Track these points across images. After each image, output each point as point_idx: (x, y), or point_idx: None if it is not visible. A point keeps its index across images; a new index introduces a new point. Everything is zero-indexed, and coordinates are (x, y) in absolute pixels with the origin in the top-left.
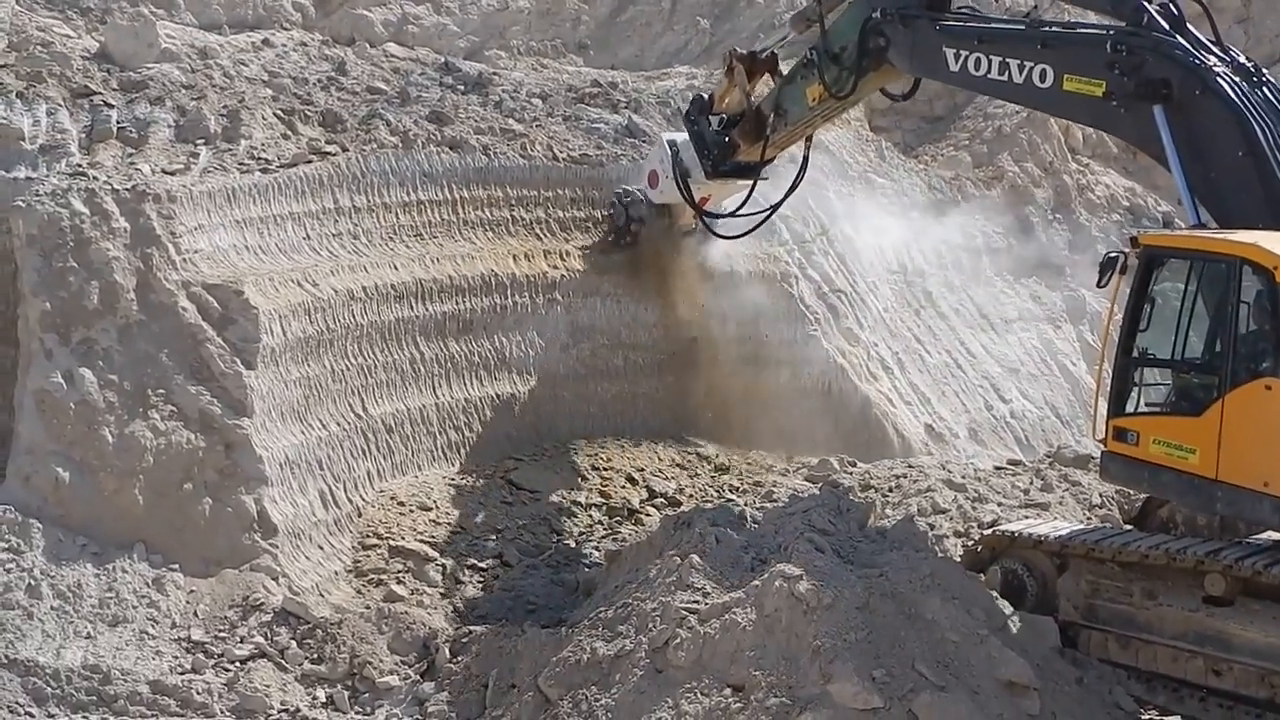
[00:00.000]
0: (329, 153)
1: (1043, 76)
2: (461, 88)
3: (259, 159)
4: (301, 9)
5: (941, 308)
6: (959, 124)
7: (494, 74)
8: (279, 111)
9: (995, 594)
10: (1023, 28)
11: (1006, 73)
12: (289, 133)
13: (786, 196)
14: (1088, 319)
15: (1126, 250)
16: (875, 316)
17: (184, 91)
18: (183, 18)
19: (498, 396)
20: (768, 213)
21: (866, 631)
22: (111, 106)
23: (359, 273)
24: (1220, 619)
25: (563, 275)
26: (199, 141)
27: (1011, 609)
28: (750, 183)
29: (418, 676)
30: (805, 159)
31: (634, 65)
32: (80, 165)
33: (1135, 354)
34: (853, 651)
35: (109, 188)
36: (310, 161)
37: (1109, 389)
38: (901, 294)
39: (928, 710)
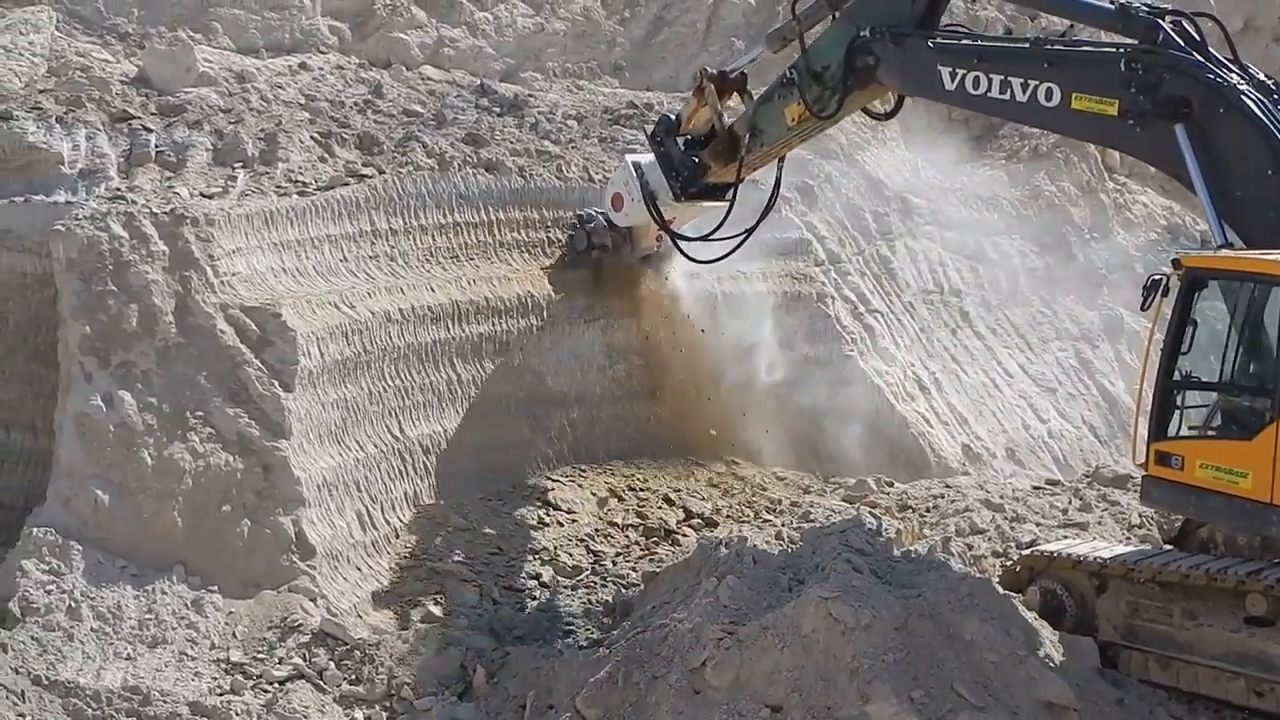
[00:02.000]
0: (366, 175)
1: (1049, 95)
2: (497, 110)
3: (296, 182)
4: (338, 32)
5: (978, 327)
6: (995, 143)
7: (529, 96)
8: (316, 134)
9: (1034, 614)
10: (1027, 45)
11: (1008, 91)
12: (326, 155)
13: (762, 218)
14: (1125, 338)
15: (1169, 272)
16: (912, 336)
17: (221, 115)
18: (220, 42)
19: (535, 417)
20: (744, 235)
21: (905, 652)
22: (150, 130)
23: (396, 295)
24: (1262, 639)
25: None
26: (237, 165)
27: (1051, 629)
28: (716, 204)
29: (455, 698)
30: (778, 180)
31: (669, 87)
32: (119, 189)
33: (1178, 377)
34: (891, 672)
35: (147, 211)
36: (347, 184)
37: (1149, 412)
38: (938, 313)
39: None
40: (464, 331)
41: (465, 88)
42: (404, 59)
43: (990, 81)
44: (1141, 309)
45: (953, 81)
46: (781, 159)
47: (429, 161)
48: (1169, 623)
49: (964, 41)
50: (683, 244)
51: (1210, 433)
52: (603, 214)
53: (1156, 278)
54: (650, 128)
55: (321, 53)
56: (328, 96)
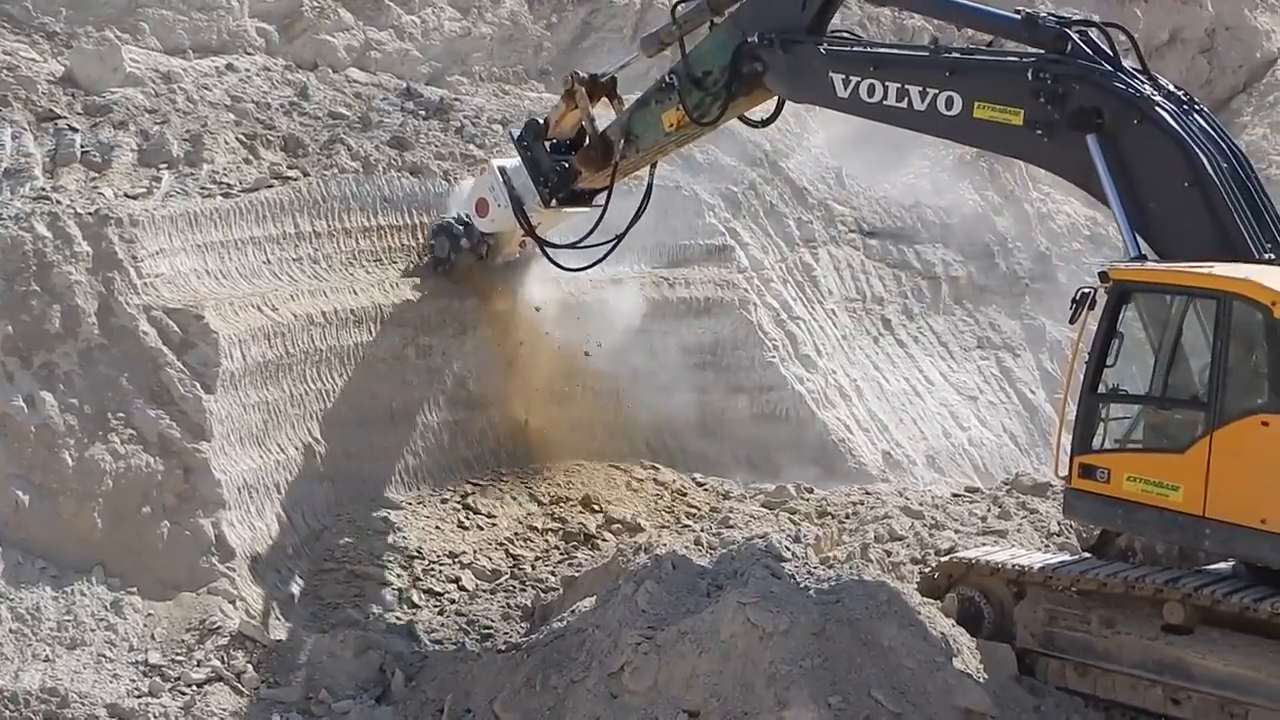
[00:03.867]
0: (290, 177)
1: (949, 104)
2: (423, 113)
3: (221, 183)
4: (265, 34)
5: (900, 335)
6: (920, 151)
7: (455, 100)
8: (241, 136)
9: (952, 621)
10: (927, 53)
11: (905, 99)
12: (251, 157)
13: (632, 224)
14: (1047, 347)
15: (1097, 285)
16: (834, 343)
17: (147, 116)
18: (147, 42)
19: (456, 421)
20: (614, 242)
21: (822, 658)
22: (76, 130)
23: (319, 297)
24: (1179, 647)
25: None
26: (162, 166)
27: (969, 636)
28: (584, 210)
29: (373, 701)
30: (649, 186)
31: None
32: (44, 189)
33: (1105, 390)
34: (808, 678)
35: (72, 212)
36: (271, 186)
37: (1074, 425)
38: (860, 321)
39: None
40: (386, 335)
41: (391, 90)
42: (330, 61)
43: (886, 89)
44: (1070, 322)
45: (845, 89)
46: (654, 164)
47: (354, 164)
48: (1087, 630)
49: (859, 48)
50: (551, 251)
51: (1139, 446)
52: (466, 218)
53: (1086, 290)
54: (516, 131)
55: (248, 54)
56: (253, 98)
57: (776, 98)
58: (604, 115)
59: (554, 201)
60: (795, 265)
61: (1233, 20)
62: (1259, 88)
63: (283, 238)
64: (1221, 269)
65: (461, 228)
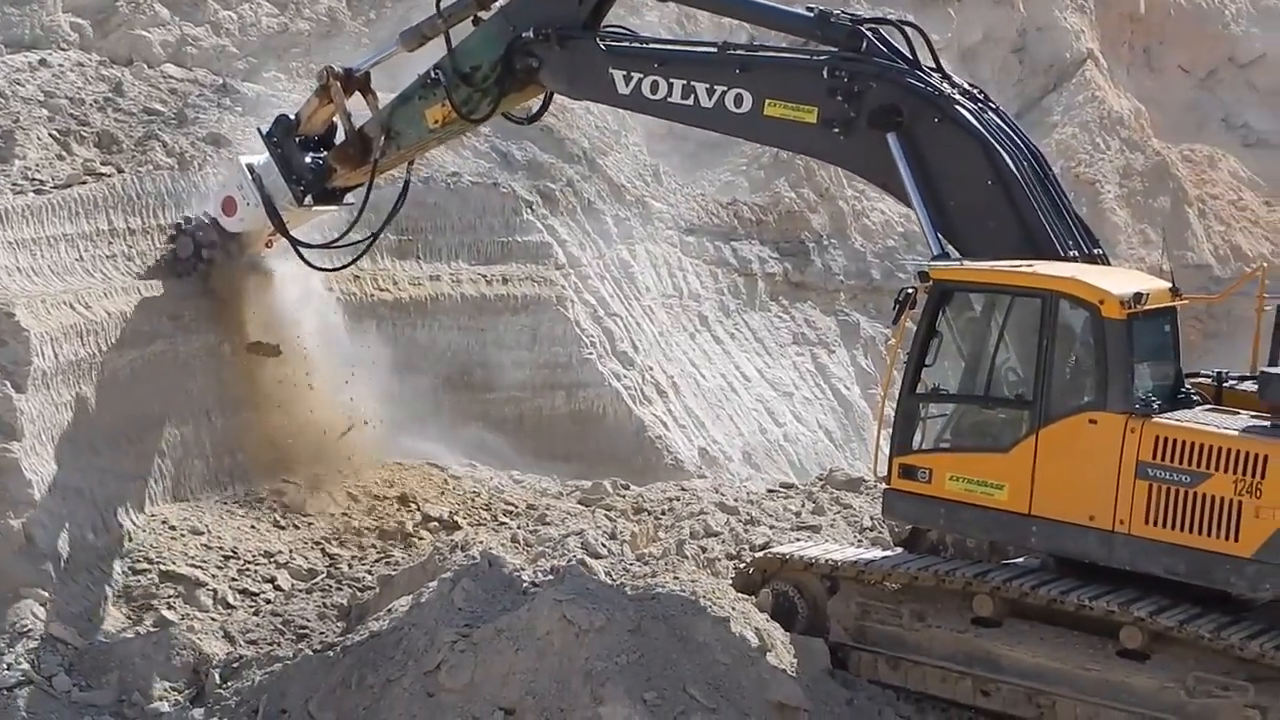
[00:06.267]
0: (104, 174)
1: (738, 101)
2: (240, 110)
3: (33, 180)
4: (79, 29)
5: (717, 331)
6: (737, 148)
7: (273, 96)
8: (54, 132)
9: (766, 616)
10: (715, 50)
11: (692, 97)
12: (64, 153)
13: (388, 222)
14: (862, 343)
15: (917, 285)
16: (650, 340)
17: None
18: None
19: (273, 419)
20: (370, 240)
21: (638, 654)
22: None
23: (132, 295)
24: (988, 640)
25: (338, 298)
26: None
27: (783, 631)
28: (336, 208)
29: (187, 702)
30: (406, 183)
31: None
32: None
33: (926, 390)
34: (624, 674)
35: None
36: (85, 183)
37: (893, 425)
38: (677, 317)
39: None
40: (201, 330)
41: (208, 86)
42: (146, 57)
43: (671, 86)
44: (893, 323)
45: (627, 85)
46: (411, 161)
47: (169, 161)
48: (898, 624)
49: (644, 45)
50: (305, 251)
51: (962, 445)
52: (211, 219)
53: (909, 291)
54: (265, 127)
55: (62, 49)
56: (67, 94)
57: (543, 93)
58: (358, 110)
59: (307, 200)
60: (613, 262)
61: (1043, 21)
62: (1069, 87)
63: (96, 235)
64: (1044, 268)
65: (204, 228)
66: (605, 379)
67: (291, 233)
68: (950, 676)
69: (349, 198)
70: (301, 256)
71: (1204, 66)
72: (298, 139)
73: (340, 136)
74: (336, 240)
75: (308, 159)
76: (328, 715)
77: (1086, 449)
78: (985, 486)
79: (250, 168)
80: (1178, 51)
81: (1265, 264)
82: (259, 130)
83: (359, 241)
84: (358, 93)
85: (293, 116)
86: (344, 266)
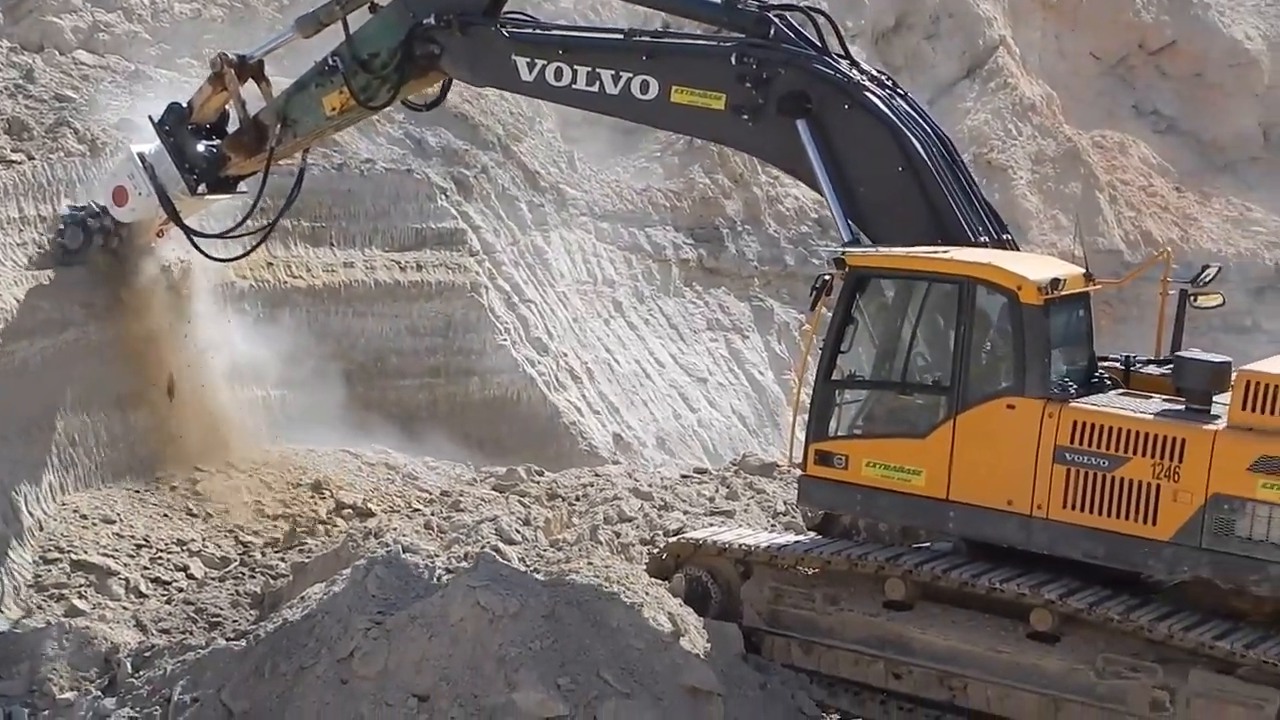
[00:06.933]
0: (14, 161)
1: (644, 88)
2: (152, 95)
3: None
4: None
5: (631, 317)
6: (651, 135)
7: (186, 83)
8: None
9: (680, 601)
10: (621, 37)
11: (597, 83)
12: None
13: (284, 211)
14: (775, 329)
15: (834, 272)
16: (565, 326)
17: None
18: None
19: (185, 407)
20: (266, 230)
21: (552, 640)
22: None
23: (44, 283)
24: (900, 623)
25: (251, 285)
26: None
27: (696, 616)
28: (230, 197)
29: (99, 692)
30: (301, 171)
31: None
32: None
33: (842, 377)
34: (538, 660)
35: None
36: None
37: (809, 412)
38: (591, 304)
39: (612, 717)
40: (113, 318)
41: (120, 73)
42: (57, 43)
43: (576, 73)
44: (811, 309)
45: (530, 72)
46: (307, 149)
47: (80, 148)
48: (811, 608)
49: (547, 31)
50: (200, 241)
51: (879, 431)
52: (101, 208)
53: (826, 278)
54: (157, 115)
55: None
56: None
57: (443, 80)
58: (252, 98)
59: (201, 189)
60: (527, 249)
61: (956, 7)
62: (981, 73)
63: (7, 222)
64: (961, 254)
65: (94, 218)
66: (519, 365)
67: (185, 221)
68: (862, 660)
69: (243, 186)
70: (196, 246)
71: (1115, 53)
72: (190, 127)
73: (234, 124)
74: (232, 229)
75: (201, 147)
76: (241, 704)
77: (1004, 434)
78: (902, 472)
79: (141, 156)
80: (1089, 38)
81: (1169, 249)
82: (150, 118)
83: (255, 231)
84: (251, 80)
85: (185, 104)
86: (240, 256)
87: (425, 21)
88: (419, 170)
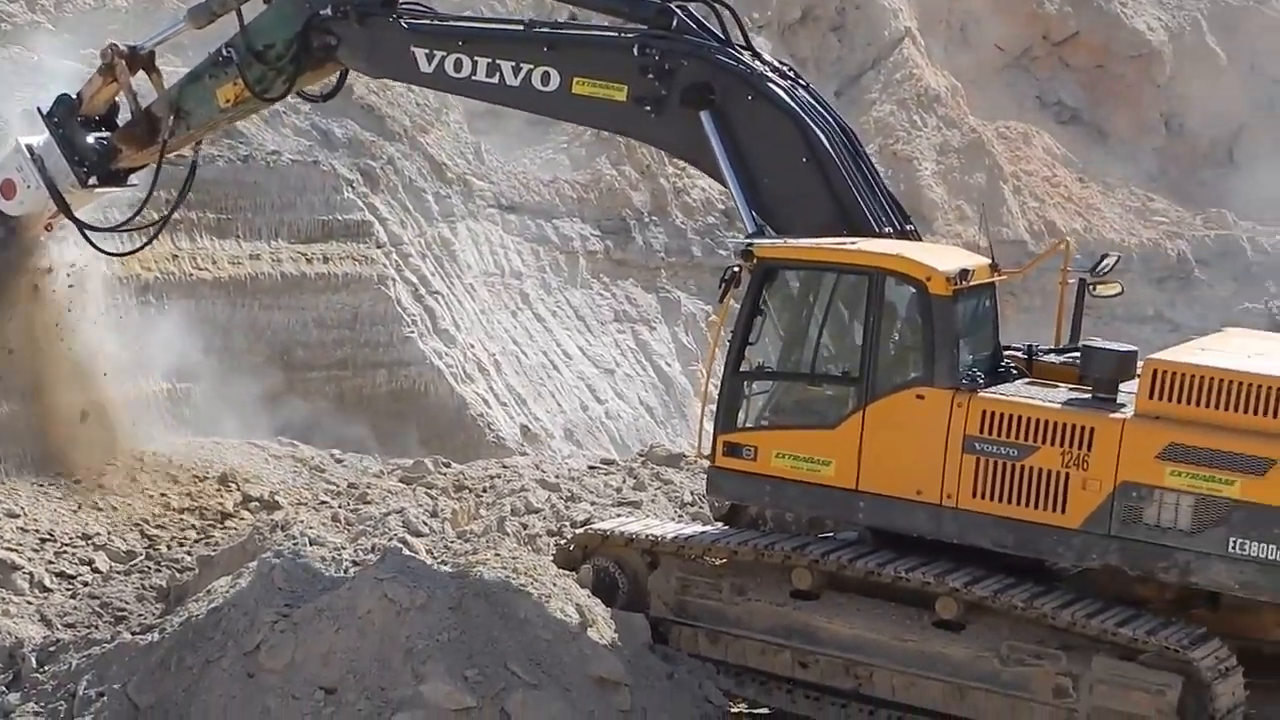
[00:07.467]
0: None
1: (545, 79)
2: (55, 87)
3: None
4: None
5: (538, 309)
6: (558, 126)
7: (89, 73)
8: None
9: (588, 592)
10: (521, 28)
11: (497, 75)
12: None
13: (178, 205)
14: (682, 320)
15: (742, 264)
16: (472, 318)
17: None
18: None
19: (90, 401)
20: (160, 224)
21: (460, 631)
22: None
23: None
24: (806, 612)
25: (156, 277)
26: None
27: (604, 607)
28: (121, 190)
29: (3, 687)
30: (194, 164)
31: None
32: None
33: (750, 368)
34: (445, 651)
35: None
36: None
37: (717, 403)
38: (499, 295)
39: (520, 708)
40: (16, 313)
41: (22, 64)
42: None
43: (476, 64)
44: (720, 301)
45: (430, 64)
46: (199, 141)
47: None
48: (718, 598)
49: (447, 22)
50: (93, 235)
51: (788, 422)
52: None
53: (734, 269)
54: (46, 107)
55: None
56: None
57: (339, 71)
58: (143, 89)
59: (91, 181)
60: (434, 240)
61: None
62: (887, 65)
63: None
64: (869, 244)
65: None
66: (427, 357)
67: (77, 214)
68: (769, 649)
69: (134, 179)
70: (88, 239)
71: (1019, 45)
72: (80, 119)
73: (126, 116)
74: (125, 223)
75: (91, 139)
76: (147, 697)
77: (914, 424)
78: (812, 463)
79: (30, 149)
80: (994, 30)
81: (1070, 239)
82: (39, 110)
83: (149, 225)
84: (143, 71)
85: (74, 96)
86: (133, 251)
87: (322, 12)
88: (325, 162)
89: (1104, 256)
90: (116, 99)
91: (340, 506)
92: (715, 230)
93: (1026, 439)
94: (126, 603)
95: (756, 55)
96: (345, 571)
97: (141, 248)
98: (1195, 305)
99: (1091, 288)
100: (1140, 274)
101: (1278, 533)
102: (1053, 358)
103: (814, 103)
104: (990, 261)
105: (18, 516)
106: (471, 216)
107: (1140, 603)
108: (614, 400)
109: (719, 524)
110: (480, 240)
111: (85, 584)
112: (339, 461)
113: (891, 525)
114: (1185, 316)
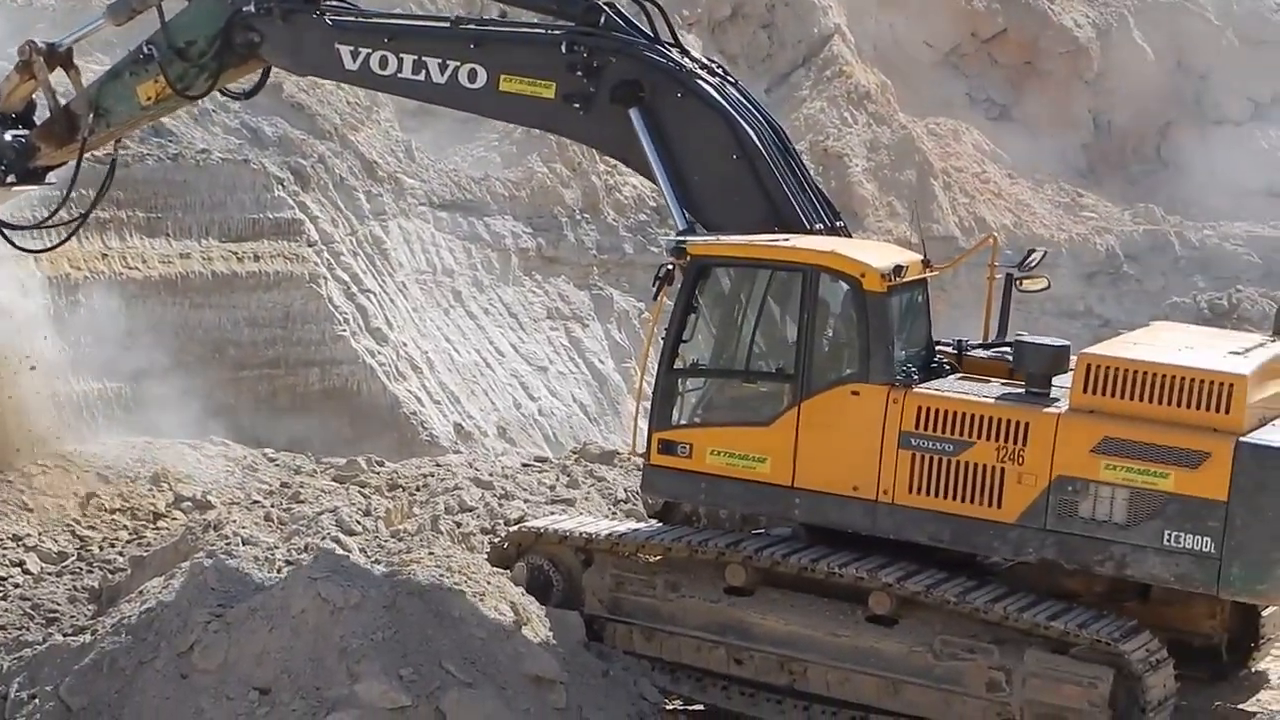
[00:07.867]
0: None
1: (472, 76)
2: None
3: None
4: None
5: (471, 307)
6: (489, 124)
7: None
8: None
9: (522, 590)
10: (448, 25)
11: (423, 72)
12: None
13: (97, 202)
14: (615, 317)
15: (675, 261)
16: (405, 316)
17: None
18: None
19: (19, 399)
20: (79, 221)
21: (394, 630)
22: None
23: None
24: (741, 608)
25: (86, 276)
26: None
27: (538, 604)
28: (37, 188)
29: None
30: (114, 161)
31: None
32: None
33: (684, 366)
34: (380, 651)
35: None
36: None
37: (651, 401)
38: (431, 293)
39: (455, 707)
40: None
41: None
42: None
43: (401, 61)
44: (654, 299)
45: (355, 61)
46: (119, 139)
47: None
48: (653, 595)
49: (371, 19)
50: (11, 233)
51: (722, 420)
52: None
53: (668, 266)
54: None
55: None
56: None
57: (263, 68)
58: (63, 86)
59: (9, 179)
60: (366, 239)
61: None
62: (817, 62)
63: None
64: (803, 241)
65: None
66: (359, 356)
67: None
68: (704, 646)
69: (52, 177)
70: (6, 238)
71: (948, 42)
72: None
73: (44, 114)
74: (44, 221)
75: (9, 137)
76: (79, 699)
77: (849, 421)
78: (747, 460)
79: None
80: (923, 27)
81: (996, 235)
82: None
83: (68, 222)
84: (61, 68)
85: None
86: (52, 248)
87: (245, 9)
88: (255, 160)
89: (1030, 252)
90: (34, 96)
91: (273, 506)
92: (647, 228)
93: (962, 434)
94: (58, 604)
95: (685, 52)
96: (278, 571)
97: (59, 244)
98: (1124, 300)
99: (1018, 283)
100: (1070, 269)
101: (1212, 525)
102: (981, 352)
103: (743, 100)
104: (922, 257)
105: None
106: (403, 214)
107: (1072, 596)
108: (547, 398)
109: (653, 521)
110: (412, 238)
111: (16, 585)
112: (272, 461)
113: (827, 521)
114: (1114, 311)
